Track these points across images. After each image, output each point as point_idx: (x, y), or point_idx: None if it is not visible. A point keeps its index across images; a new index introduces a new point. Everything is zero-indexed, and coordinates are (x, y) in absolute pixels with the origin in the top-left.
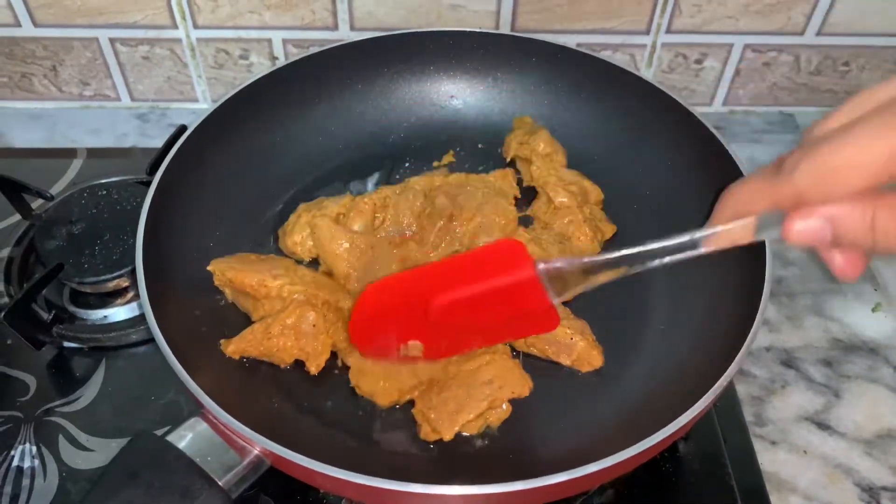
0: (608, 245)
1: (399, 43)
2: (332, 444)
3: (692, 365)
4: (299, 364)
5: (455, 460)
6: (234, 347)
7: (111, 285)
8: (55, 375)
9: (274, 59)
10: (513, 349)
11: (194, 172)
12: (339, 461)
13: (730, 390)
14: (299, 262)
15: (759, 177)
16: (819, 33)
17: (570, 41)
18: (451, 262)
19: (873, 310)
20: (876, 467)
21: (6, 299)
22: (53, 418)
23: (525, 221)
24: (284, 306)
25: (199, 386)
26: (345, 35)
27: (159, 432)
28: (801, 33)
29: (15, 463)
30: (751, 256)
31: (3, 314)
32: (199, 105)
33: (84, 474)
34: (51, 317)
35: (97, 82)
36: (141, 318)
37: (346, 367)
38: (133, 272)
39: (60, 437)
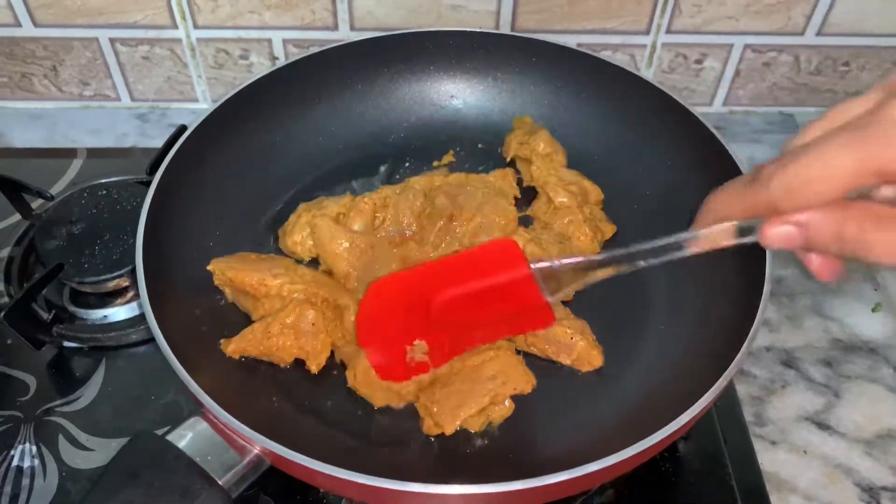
0: (608, 245)
1: (399, 43)
2: (332, 444)
3: (692, 365)
4: (299, 364)
5: (455, 460)
6: (234, 347)
7: (111, 285)
8: (55, 375)
9: (274, 59)
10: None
11: (194, 172)
12: (339, 460)
13: (730, 390)
14: (299, 261)
15: (738, 185)
16: (819, 33)
17: (570, 41)
18: (449, 261)
19: (873, 310)
20: (876, 467)
21: (6, 299)
22: (53, 418)
23: (525, 221)
24: (284, 305)
25: (199, 385)
26: (345, 35)
27: (159, 432)
28: (801, 33)
29: (15, 462)
30: (751, 256)
31: (3, 314)
32: (200, 105)
33: (84, 474)
34: (51, 316)
35: (97, 82)
36: (141, 317)
37: (345, 368)
38: (133, 272)
39: (60, 436)
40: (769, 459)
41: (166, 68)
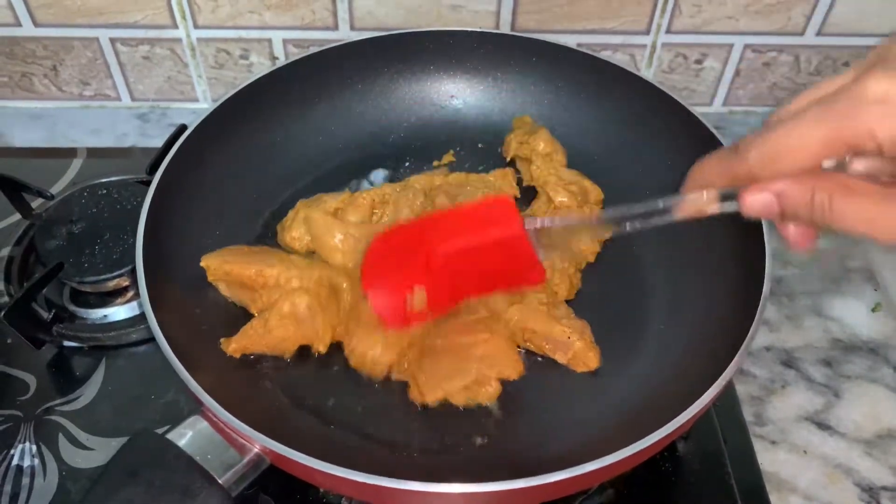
0: (608, 244)
1: (399, 43)
2: (331, 443)
3: (692, 364)
4: (299, 362)
5: (455, 458)
6: (235, 346)
7: (111, 284)
8: (55, 374)
9: (274, 58)
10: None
11: (194, 172)
12: (339, 459)
13: (730, 390)
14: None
15: (720, 155)
16: (819, 33)
17: (570, 41)
18: (448, 214)
19: (873, 310)
20: (876, 467)
21: (6, 298)
22: (53, 417)
23: None
24: (281, 294)
25: (199, 384)
26: (345, 35)
27: (159, 431)
28: (801, 33)
29: (15, 462)
30: (751, 256)
31: (3, 313)
32: (200, 105)
33: (84, 473)
34: (51, 316)
35: (97, 82)
36: (141, 317)
37: (346, 366)
38: (133, 271)
39: (60, 436)
40: (769, 459)
41: (166, 68)
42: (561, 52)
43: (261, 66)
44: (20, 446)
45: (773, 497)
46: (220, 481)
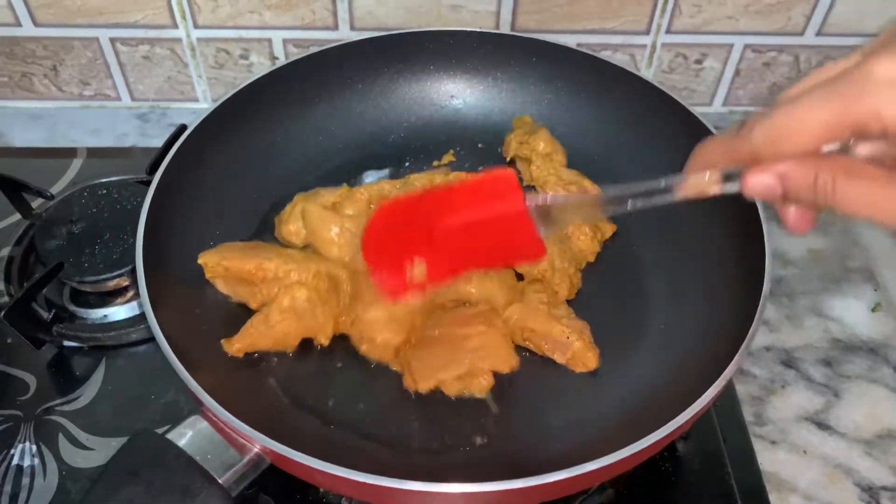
0: (608, 244)
1: (399, 43)
2: (331, 443)
3: (692, 364)
4: (299, 361)
5: (455, 458)
6: (238, 346)
7: (111, 284)
8: (55, 374)
9: (274, 58)
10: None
11: (194, 172)
12: (338, 459)
13: (729, 390)
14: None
15: (725, 136)
16: (819, 34)
17: (570, 41)
18: (452, 189)
19: (873, 310)
20: (876, 467)
21: (6, 298)
22: (53, 417)
23: None
24: (281, 287)
25: (199, 384)
26: (345, 35)
27: (159, 431)
28: (801, 34)
29: (15, 462)
30: (751, 256)
31: (3, 313)
32: (200, 105)
33: (84, 473)
34: (51, 316)
35: (97, 82)
36: (141, 317)
37: (346, 366)
38: (133, 271)
39: (60, 435)
40: (769, 459)
41: (166, 68)
42: (561, 52)
43: (261, 66)
44: (20, 446)
45: (772, 497)
46: (220, 481)
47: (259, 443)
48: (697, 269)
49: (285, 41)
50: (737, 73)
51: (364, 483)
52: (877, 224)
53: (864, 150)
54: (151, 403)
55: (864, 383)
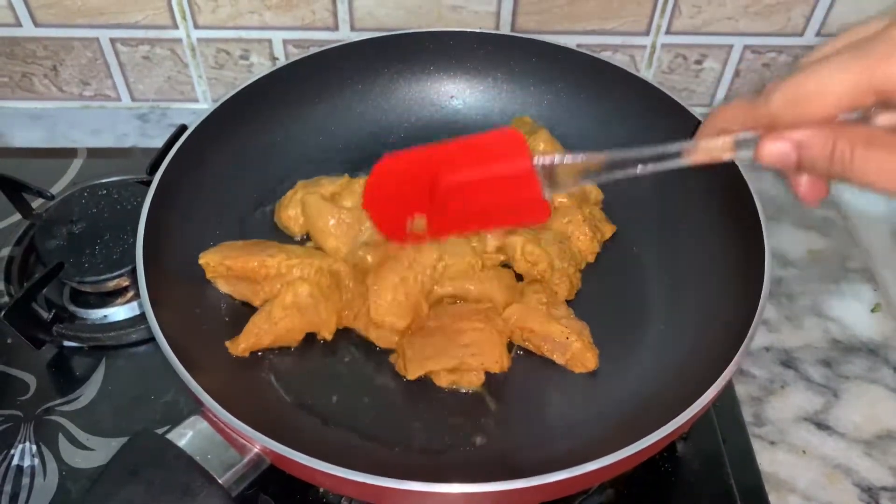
0: (608, 245)
1: (399, 43)
2: (331, 443)
3: (691, 364)
4: (300, 361)
5: (455, 458)
6: (244, 346)
7: (111, 285)
8: (55, 374)
9: (274, 59)
10: (510, 343)
11: (194, 172)
12: (339, 459)
13: (729, 390)
14: (291, 237)
15: (743, 100)
16: (818, 34)
17: (570, 42)
18: (457, 146)
19: (872, 310)
20: (875, 468)
21: (6, 298)
22: (53, 417)
23: None
24: (283, 283)
25: (200, 384)
26: (345, 35)
27: (159, 431)
28: (801, 34)
29: (15, 462)
30: (751, 256)
31: (3, 313)
32: (200, 105)
33: (84, 473)
34: (51, 316)
35: (98, 82)
36: (141, 317)
37: (346, 366)
38: (133, 272)
39: (60, 436)
40: (768, 459)
41: (167, 68)
42: (561, 53)
43: (261, 67)
44: (20, 446)
45: (772, 497)
46: (220, 481)
47: (259, 443)
48: (697, 269)
49: (285, 41)
50: (736, 73)
51: (364, 483)
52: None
53: (884, 119)
54: (151, 404)
55: (864, 384)
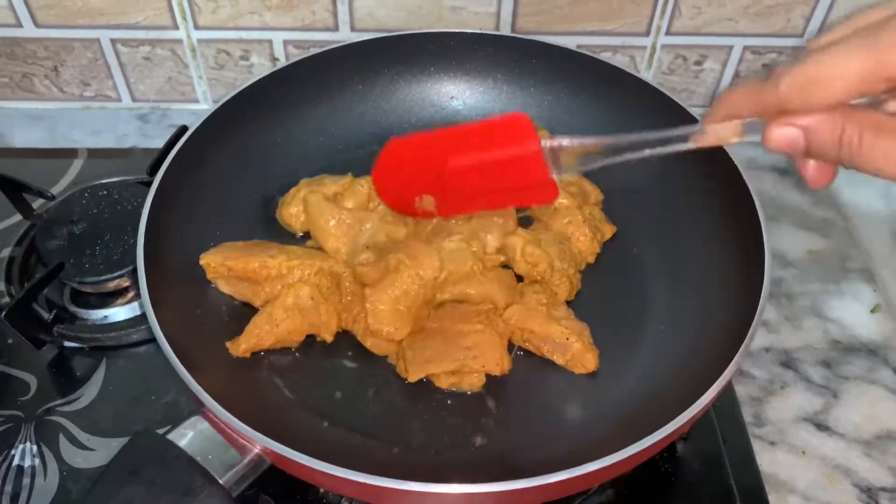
0: (608, 245)
1: (399, 44)
2: (332, 443)
3: (691, 365)
4: (300, 362)
5: (455, 458)
6: (245, 346)
7: (112, 285)
8: (56, 375)
9: (274, 59)
10: (510, 343)
11: (195, 173)
12: (339, 459)
13: (729, 391)
14: (292, 235)
15: (751, 83)
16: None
17: (570, 43)
18: (466, 129)
19: (872, 311)
20: (875, 468)
21: (7, 299)
22: (54, 417)
23: (525, 222)
24: (284, 284)
25: (200, 385)
26: (345, 36)
27: (160, 431)
28: (801, 35)
29: (15, 462)
30: (750, 257)
31: (4, 313)
32: (200, 106)
33: (84, 473)
34: (51, 316)
35: (98, 83)
36: (141, 317)
37: (346, 366)
38: (134, 272)
39: (61, 436)
40: (768, 460)
41: (167, 69)
42: (561, 54)
43: (261, 67)
44: (21, 446)
45: (771, 497)
46: (220, 481)
47: (259, 443)
48: (697, 270)
49: (286, 42)
50: (736, 74)
51: (364, 483)
52: None
53: (894, 105)
54: (152, 404)
55: (864, 384)
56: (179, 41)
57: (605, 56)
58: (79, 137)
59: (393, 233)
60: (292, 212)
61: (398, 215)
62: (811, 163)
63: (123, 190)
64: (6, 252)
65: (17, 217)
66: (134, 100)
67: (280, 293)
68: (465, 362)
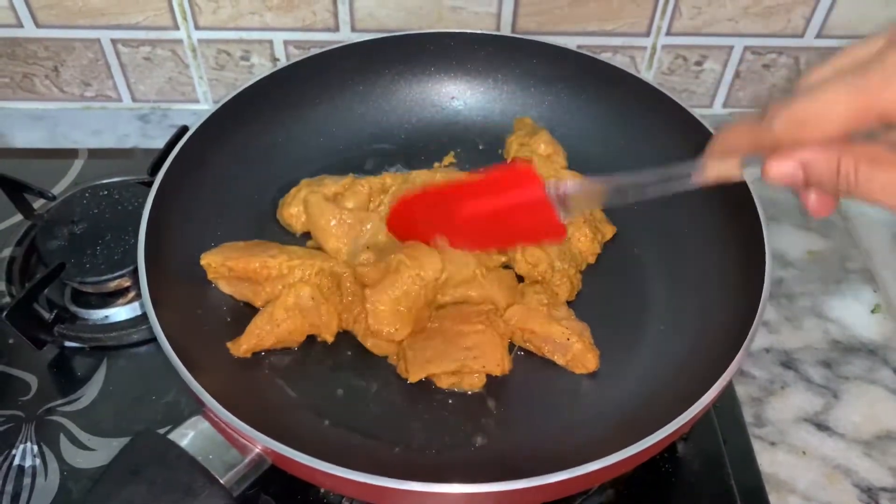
0: (608, 246)
1: (400, 44)
2: (332, 443)
3: (692, 365)
4: (300, 362)
5: (455, 458)
6: (246, 347)
7: (112, 285)
8: (56, 375)
9: (275, 60)
10: (511, 343)
11: (196, 173)
12: (339, 459)
13: (729, 391)
14: (293, 234)
15: (747, 122)
16: (819, 35)
17: (570, 43)
18: (474, 183)
19: (872, 311)
20: (875, 468)
21: (8, 299)
22: (55, 417)
23: None
24: (284, 284)
25: (201, 385)
26: (346, 36)
27: (161, 431)
28: (801, 35)
29: (16, 462)
30: (751, 257)
31: (4, 313)
32: (201, 106)
33: (85, 473)
34: (52, 316)
35: (99, 83)
36: (142, 317)
37: (347, 367)
38: (134, 272)
39: (62, 436)
40: (768, 460)
41: (168, 69)
42: (561, 54)
43: (262, 68)
44: (21, 446)
45: (772, 498)
46: (221, 481)
47: (260, 443)
48: (697, 270)
49: (286, 42)
50: (737, 74)
51: (364, 483)
52: None
53: (891, 136)
54: (153, 404)
55: (864, 384)
56: (180, 41)
57: (605, 56)
58: (79, 137)
59: None
60: (293, 212)
61: None
62: (812, 194)
63: (124, 190)
64: (7, 252)
65: (18, 217)
66: (134, 100)
67: (281, 293)
68: (466, 362)
